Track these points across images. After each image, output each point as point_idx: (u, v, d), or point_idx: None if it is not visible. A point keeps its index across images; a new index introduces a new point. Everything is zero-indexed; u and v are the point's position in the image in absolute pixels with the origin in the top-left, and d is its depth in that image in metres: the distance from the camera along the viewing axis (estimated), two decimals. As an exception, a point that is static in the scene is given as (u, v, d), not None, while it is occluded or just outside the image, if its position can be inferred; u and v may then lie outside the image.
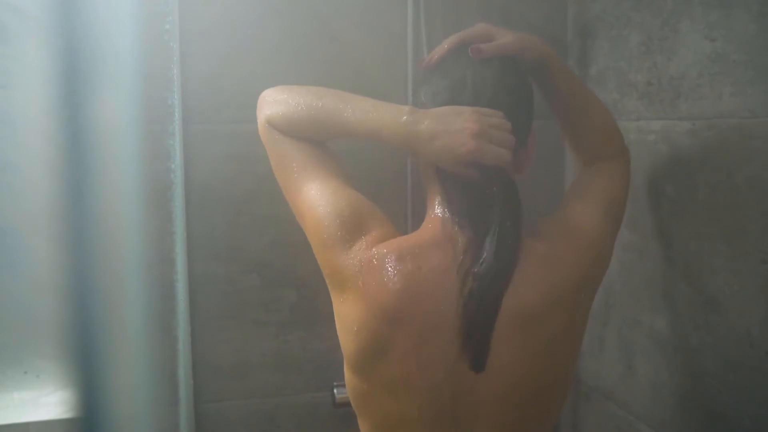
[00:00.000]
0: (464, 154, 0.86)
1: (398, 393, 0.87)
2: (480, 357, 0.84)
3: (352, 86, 1.26)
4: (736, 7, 0.94)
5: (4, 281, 1.15)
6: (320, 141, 0.97)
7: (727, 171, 0.97)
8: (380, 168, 1.28)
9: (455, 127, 0.87)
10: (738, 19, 0.94)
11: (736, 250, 0.96)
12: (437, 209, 0.92)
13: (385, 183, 1.29)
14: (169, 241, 1.10)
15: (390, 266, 0.85)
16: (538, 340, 0.86)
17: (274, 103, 0.97)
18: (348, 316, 0.88)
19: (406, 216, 1.31)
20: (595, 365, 1.32)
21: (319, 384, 1.31)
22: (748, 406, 0.96)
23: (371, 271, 0.86)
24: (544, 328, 0.86)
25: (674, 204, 1.08)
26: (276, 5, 1.23)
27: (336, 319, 0.92)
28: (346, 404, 1.22)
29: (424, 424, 0.87)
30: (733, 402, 0.98)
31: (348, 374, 0.93)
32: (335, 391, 1.24)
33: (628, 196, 1.03)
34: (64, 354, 0.34)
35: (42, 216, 1.13)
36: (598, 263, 0.95)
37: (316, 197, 0.92)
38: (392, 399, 0.88)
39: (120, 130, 0.43)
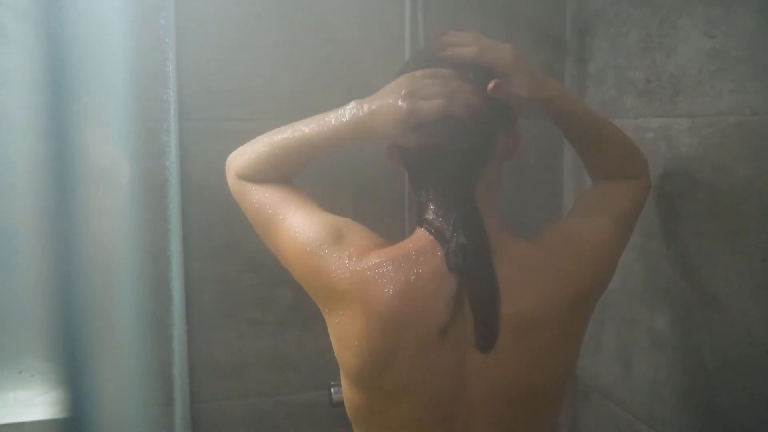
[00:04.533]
0: (402, 119, 0.86)
1: (401, 401, 0.86)
2: (489, 338, 0.83)
3: (349, 85, 1.26)
4: (735, 3, 0.94)
5: (1, 281, 1.14)
6: (289, 178, 0.99)
7: (727, 169, 0.96)
8: (377, 169, 1.28)
9: (389, 98, 0.88)
10: (738, 16, 0.94)
11: (735, 248, 0.95)
12: (423, 216, 0.91)
13: (383, 183, 1.29)
14: (165, 239, 1.10)
15: (384, 274, 0.85)
16: (534, 346, 0.85)
17: (238, 156, 1.00)
18: (347, 333, 0.87)
19: (404, 217, 1.30)
20: (594, 364, 1.32)
21: (316, 383, 1.30)
22: (748, 405, 0.95)
23: (365, 282, 0.85)
24: (540, 335, 0.85)
25: (673, 202, 1.07)
26: (274, 2, 1.22)
27: (333, 339, 0.92)
28: (343, 404, 1.22)
29: (422, 429, 0.87)
30: (732, 400, 0.98)
31: (349, 390, 0.92)
32: (332, 390, 1.23)
33: (636, 220, 1.01)
34: (55, 353, 0.33)
35: (38, 215, 1.12)
36: (601, 275, 0.93)
37: (293, 230, 0.92)
38: (395, 407, 0.87)
39: (115, 126, 0.42)
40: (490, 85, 0.86)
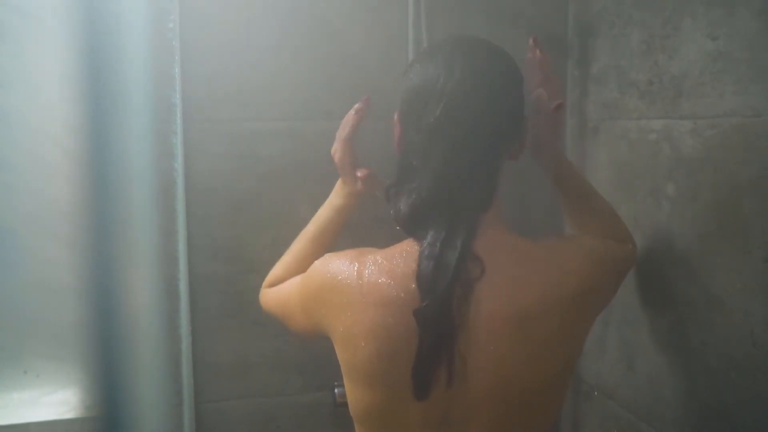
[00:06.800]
0: (338, 166, 1.11)
1: (405, 395, 0.87)
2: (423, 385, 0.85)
3: (352, 85, 1.26)
4: (737, 5, 0.94)
5: (3, 281, 1.14)
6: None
7: (730, 170, 0.97)
8: (383, 169, 1.28)
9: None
10: (740, 17, 0.94)
11: (738, 249, 0.96)
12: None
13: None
14: (172, 240, 1.10)
15: (386, 270, 0.88)
16: (533, 343, 0.87)
17: (267, 278, 1.17)
18: (353, 336, 0.89)
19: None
20: (596, 364, 1.32)
21: (319, 384, 1.30)
22: (751, 406, 0.96)
23: (369, 278, 0.88)
24: (539, 332, 0.87)
25: (676, 203, 1.08)
26: (277, 3, 1.22)
27: (339, 349, 0.93)
28: (347, 404, 1.22)
29: (420, 425, 0.89)
30: (735, 401, 0.98)
31: (355, 391, 0.93)
32: (336, 391, 1.24)
33: (623, 279, 1.07)
34: (81, 355, 0.34)
35: (43, 216, 1.12)
36: (602, 277, 0.97)
37: (289, 291, 1.07)
38: (401, 402, 0.88)
39: (129, 129, 0.42)
40: (555, 104, 1.01)
